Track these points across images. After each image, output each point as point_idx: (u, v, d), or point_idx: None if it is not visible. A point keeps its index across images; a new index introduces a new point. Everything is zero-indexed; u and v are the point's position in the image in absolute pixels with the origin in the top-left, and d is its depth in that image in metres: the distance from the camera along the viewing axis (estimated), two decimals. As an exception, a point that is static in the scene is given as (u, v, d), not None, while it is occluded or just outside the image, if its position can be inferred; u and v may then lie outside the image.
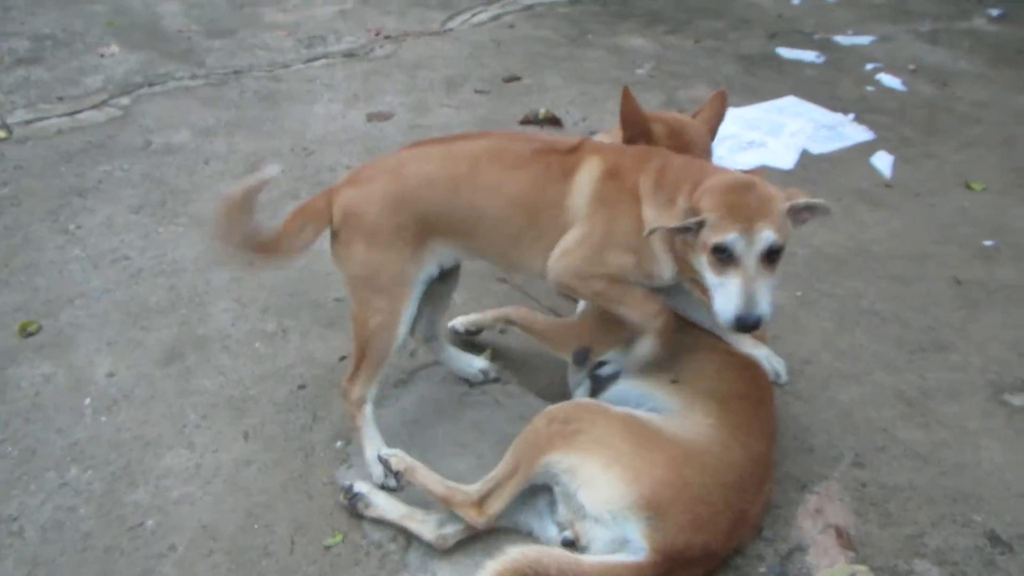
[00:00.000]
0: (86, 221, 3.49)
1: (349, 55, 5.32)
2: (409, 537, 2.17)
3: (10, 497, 2.27)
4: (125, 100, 4.57)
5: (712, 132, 2.63)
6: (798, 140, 4.28)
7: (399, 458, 2.22)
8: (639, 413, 2.11)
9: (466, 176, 2.19)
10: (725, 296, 1.90)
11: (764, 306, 1.88)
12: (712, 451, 2.02)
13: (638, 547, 1.89)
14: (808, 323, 3.01)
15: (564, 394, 2.50)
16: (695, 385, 2.19)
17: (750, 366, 2.25)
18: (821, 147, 4.25)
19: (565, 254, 2.14)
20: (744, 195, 1.91)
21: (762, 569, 2.13)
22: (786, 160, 4.09)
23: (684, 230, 1.93)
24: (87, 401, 2.60)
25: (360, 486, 2.24)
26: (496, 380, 2.73)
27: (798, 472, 2.41)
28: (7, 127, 4.21)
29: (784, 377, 2.31)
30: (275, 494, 2.30)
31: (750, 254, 1.88)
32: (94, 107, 4.47)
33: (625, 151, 2.23)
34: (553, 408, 2.12)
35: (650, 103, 4.71)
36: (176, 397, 2.62)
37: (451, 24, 5.90)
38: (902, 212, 3.72)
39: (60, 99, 4.54)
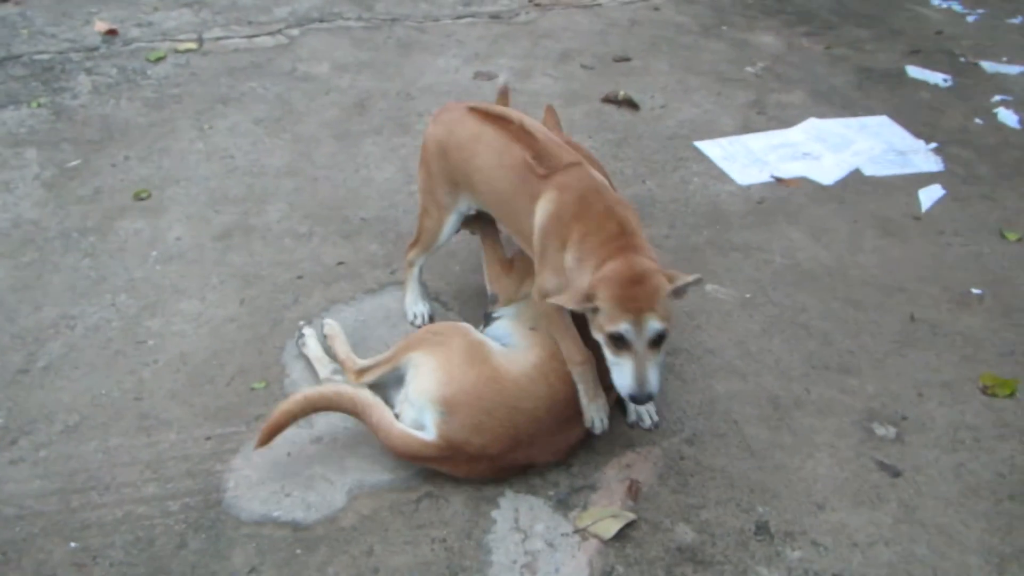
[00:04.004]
0: (218, 124, 4.48)
1: (495, 17, 5.95)
2: (308, 397, 2.88)
3: (78, 303, 3.27)
4: (295, 31, 5.55)
5: None
6: (856, 160, 4.34)
7: (330, 326, 3.03)
8: (490, 342, 2.68)
9: (481, 155, 2.77)
10: (621, 375, 2.32)
11: (653, 384, 2.29)
12: (518, 382, 2.54)
13: (431, 431, 2.51)
14: (737, 322, 3.30)
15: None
16: (544, 337, 2.69)
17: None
18: (878, 170, 4.28)
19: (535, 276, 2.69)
20: (633, 289, 2.26)
21: (551, 492, 2.61)
22: (829, 177, 4.20)
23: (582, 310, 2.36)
24: (154, 253, 3.55)
25: (307, 331, 3.06)
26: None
27: (635, 435, 2.81)
28: (200, 40, 5.34)
29: (647, 423, 2.81)
30: (238, 345, 3.11)
31: (640, 340, 2.28)
32: (269, 34, 5.49)
33: (572, 192, 2.53)
34: (435, 323, 2.87)
35: (736, 100, 4.93)
36: (212, 264, 3.50)
37: (605, -1, 6.31)
38: (909, 246, 3.76)
39: (249, 23, 5.62)
